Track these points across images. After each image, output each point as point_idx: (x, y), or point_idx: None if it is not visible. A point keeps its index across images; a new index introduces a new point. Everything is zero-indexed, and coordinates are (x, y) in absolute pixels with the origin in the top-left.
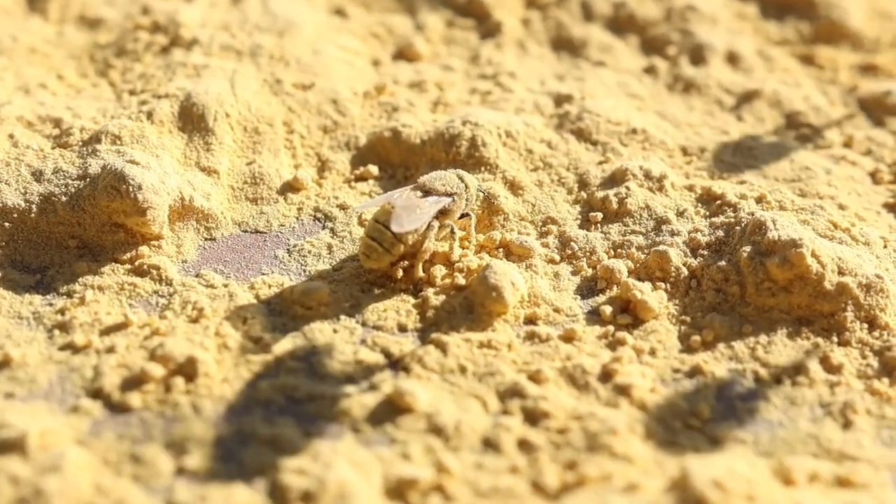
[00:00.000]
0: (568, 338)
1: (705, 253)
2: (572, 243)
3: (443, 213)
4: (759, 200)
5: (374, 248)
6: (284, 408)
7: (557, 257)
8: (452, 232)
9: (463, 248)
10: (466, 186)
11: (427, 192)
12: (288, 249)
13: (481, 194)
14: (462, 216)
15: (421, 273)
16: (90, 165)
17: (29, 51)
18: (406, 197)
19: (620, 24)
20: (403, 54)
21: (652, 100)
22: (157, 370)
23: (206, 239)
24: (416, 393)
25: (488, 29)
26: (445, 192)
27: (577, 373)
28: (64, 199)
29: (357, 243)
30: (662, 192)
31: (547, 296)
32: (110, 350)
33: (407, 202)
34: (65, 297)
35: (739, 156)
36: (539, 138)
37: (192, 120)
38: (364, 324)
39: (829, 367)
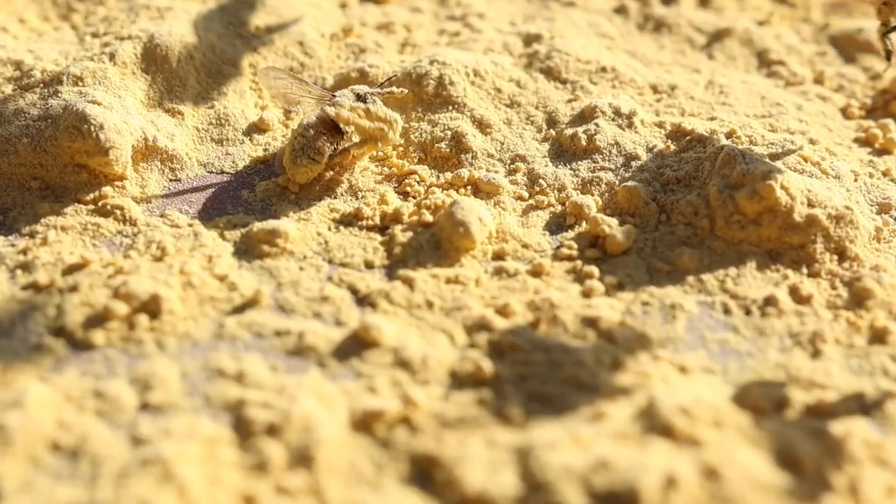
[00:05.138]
0: (536, 272)
1: (675, 188)
2: (541, 180)
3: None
4: (729, 136)
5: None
6: (250, 344)
7: (526, 194)
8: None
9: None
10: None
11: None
12: (254, 189)
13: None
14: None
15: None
16: (52, 106)
17: None
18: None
19: None
20: None
21: (622, 39)
22: (121, 308)
23: (170, 179)
24: (382, 327)
25: None
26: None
27: (544, 306)
28: (25, 140)
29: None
30: (632, 129)
31: (515, 231)
32: (73, 289)
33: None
34: (27, 237)
35: (710, 93)
36: (508, 77)
37: (155, 61)
38: (331, 261)
39: (799, 297)
